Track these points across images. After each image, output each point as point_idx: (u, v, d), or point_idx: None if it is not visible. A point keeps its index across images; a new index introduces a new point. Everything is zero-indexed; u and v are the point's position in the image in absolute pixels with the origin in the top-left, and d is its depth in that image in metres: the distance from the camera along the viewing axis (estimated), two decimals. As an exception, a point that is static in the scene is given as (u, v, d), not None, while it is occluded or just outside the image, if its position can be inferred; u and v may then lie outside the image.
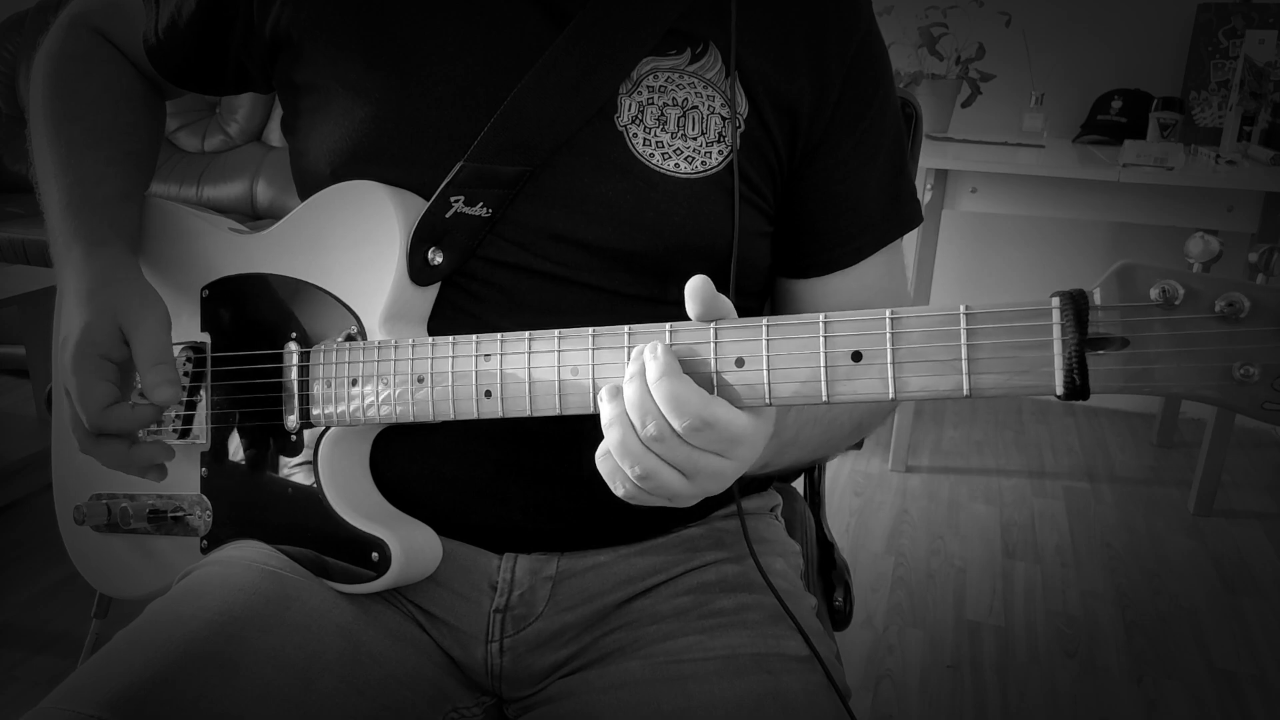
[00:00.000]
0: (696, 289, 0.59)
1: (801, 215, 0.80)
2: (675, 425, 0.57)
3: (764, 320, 0.58)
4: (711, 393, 0.59)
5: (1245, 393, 0.50)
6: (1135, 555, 2.27)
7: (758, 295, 0.85)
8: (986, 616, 2.01)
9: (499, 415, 0.66)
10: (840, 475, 2.60)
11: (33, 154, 0.86)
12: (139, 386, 0.76)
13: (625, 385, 0.59)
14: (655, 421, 0.57)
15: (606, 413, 0.60)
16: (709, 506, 0.84)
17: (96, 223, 0.80)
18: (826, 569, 1.08)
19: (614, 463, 0.60)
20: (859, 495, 2.51)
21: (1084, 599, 2.08)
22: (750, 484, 0.90)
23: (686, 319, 0.61)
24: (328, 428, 0.75)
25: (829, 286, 0.82)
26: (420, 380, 0.69)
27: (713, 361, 0.59)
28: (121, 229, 0.82)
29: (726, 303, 0.60)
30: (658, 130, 0.74)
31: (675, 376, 0.58)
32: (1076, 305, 0.51)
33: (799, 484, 1.21)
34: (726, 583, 0.80)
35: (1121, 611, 2.04)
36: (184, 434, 0.82)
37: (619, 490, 0.61)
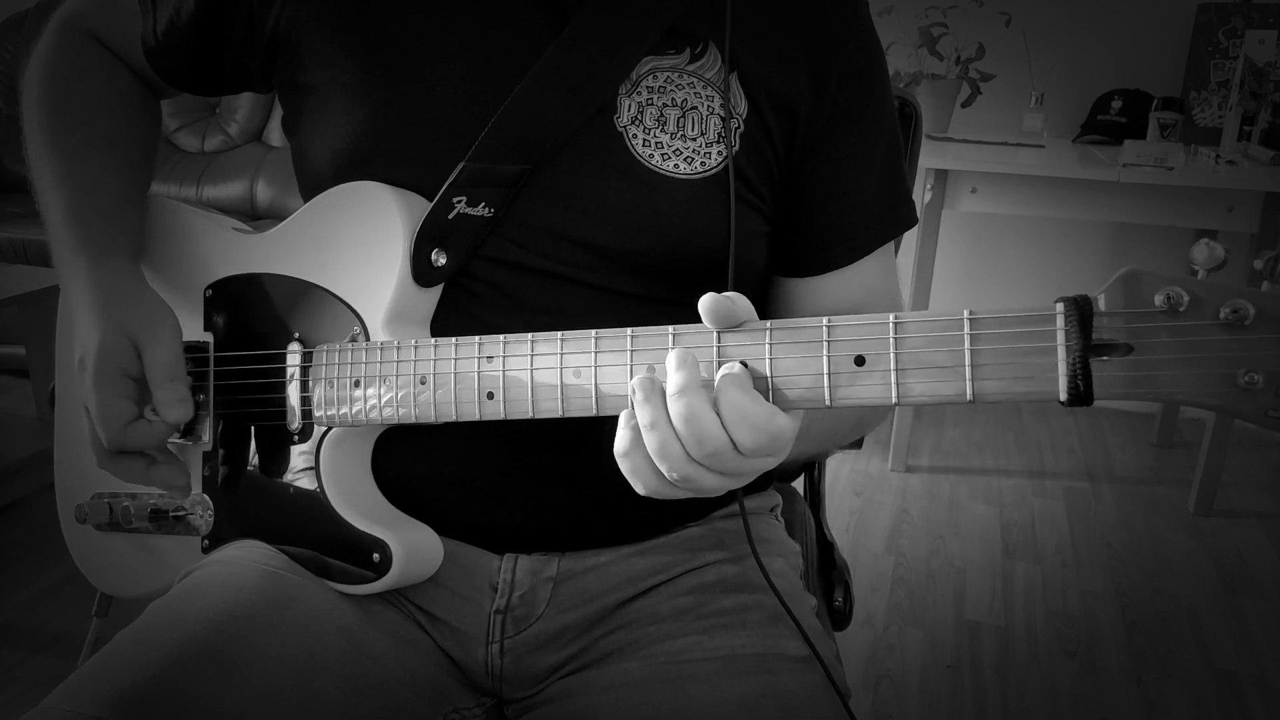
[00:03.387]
0: (709, 308, 0.58)
1: (798, 214, 0.80)
2: (742, 441, 0.56)
3: (767, 324, 0.58)
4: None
5: (1249, 400, 0.50)
6: (1135, 555, 2.27)
7: (754, 295, 0.84)
8: (986, 616, 2.01)
9: (501, 417, 0.66)
10: (840, 475, 2.60)
11: (29, 161, 0.86)
12: (152, 403, 0.76)
13: (672, 400, 0.57)
14: (714, 441, 0.56)
15: (644, 415, 0.58)
16: (709, 506, 0.84)
17: (99, 232, 0.80)
18: (826, 569, 1.08)
19: (639, 462, 0.59)
20: (859, 495, 2.51)
21: (1084, 599, 2.08)
22: (750, 483, 0.90)
23: (687, 320, 0.60)
24: (330, 428, 0.75)
25: (824, 286, 0.82)
26: (423, 382, 0.69)
27: (715, 365, 0.59)
28: (124, 236, 0.82)
29: (744, 303, 0.59)
30: (657, 131, 0.74)
31: (746, 390, 0.56)
32: (1081, 311, 0.51)
33: (799, 484, 1.21)
34: (726, 583, 0.81)
35: (1121, 611, 2.04)
36: (186, 434, 0.82)
37: (642, 488, 0.60)
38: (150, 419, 0.75)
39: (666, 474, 0.58)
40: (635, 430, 0.58)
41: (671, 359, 0.58)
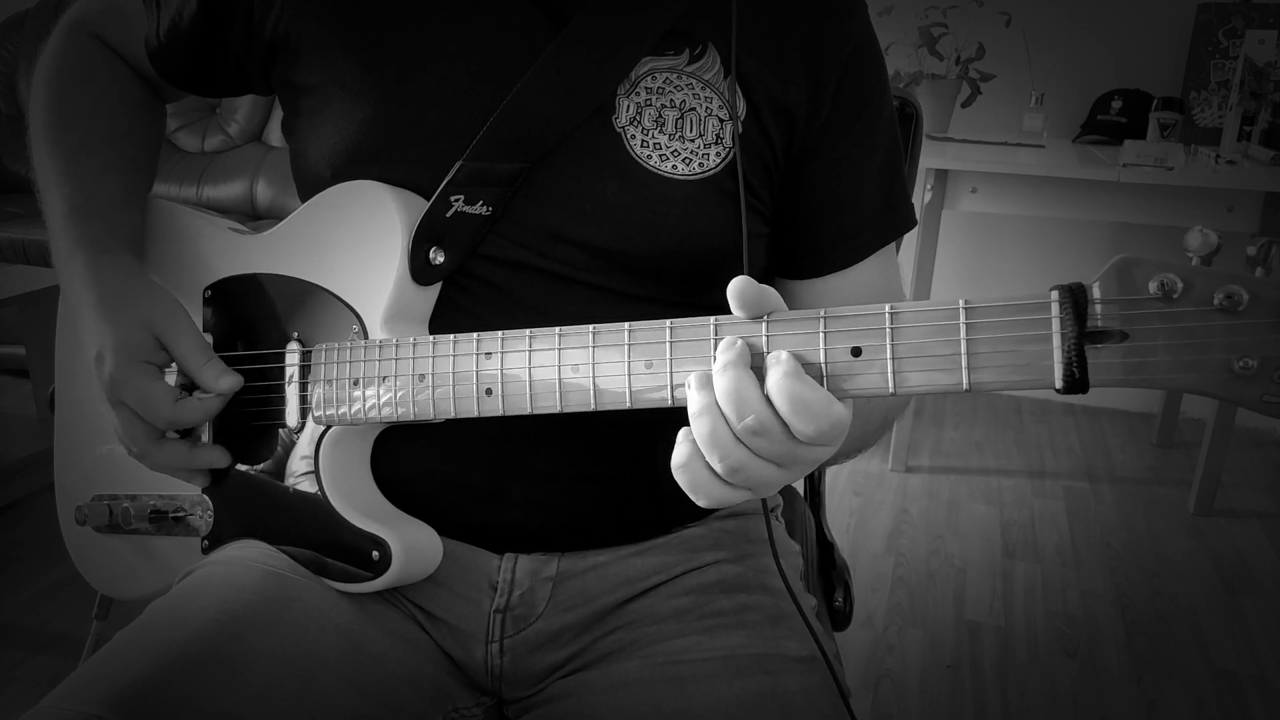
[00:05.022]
0: (740, 291, 0.57)
1: (797, 216, 0.80)
2: (802, 429, 0.54)
3: (764, 316, 0.58)
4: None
5: (1245, 385, 0.50)
6: (1135, 555, 2.27)
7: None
8: (986, 616, 2.01)
9: (500, 413, 0.66)
10: (840, 475, 2.60)
11: (33, 161, 0.86)
12: (197, 383, 0.78)
13: (717, 376, 0.56)
14: (756, 414, 0.54)
15: (695, 403, 0.57)
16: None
17: (99, 231, 0.80)
18: (826, 569, 1.08)
19: (697, 469, 0.57)
20: (859, 495, 2.51)
21: (1084, 599, 2.08)
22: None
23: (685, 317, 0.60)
24: (329, 427, 0.75)
25: (825, 287, 0.82)
26: (421, 379, 0.69)
27: (712, 358, 0.59)
28: (124, 235, 0.82)
29: (775, 296, 0.58)
30: (655, 132, 0.74)
31: (799, 378, 0.55)
32: (1075, 299, 0.51)
33: (799, 484, 1.21)
34: (726, 583, 0.80)
35: (1121, 611, 2.04)
36: (186, 434, 0.82)
37: (702, 500, 0.58)
38: (200, 397, 0.77)
39: (718, 465, 0.56)
40: (692, 444, 0.57)
41: (723, 343, 0.57)
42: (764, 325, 0.58)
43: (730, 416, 0.55)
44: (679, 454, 0.57)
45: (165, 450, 0.79)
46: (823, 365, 0.56)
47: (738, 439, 0.55)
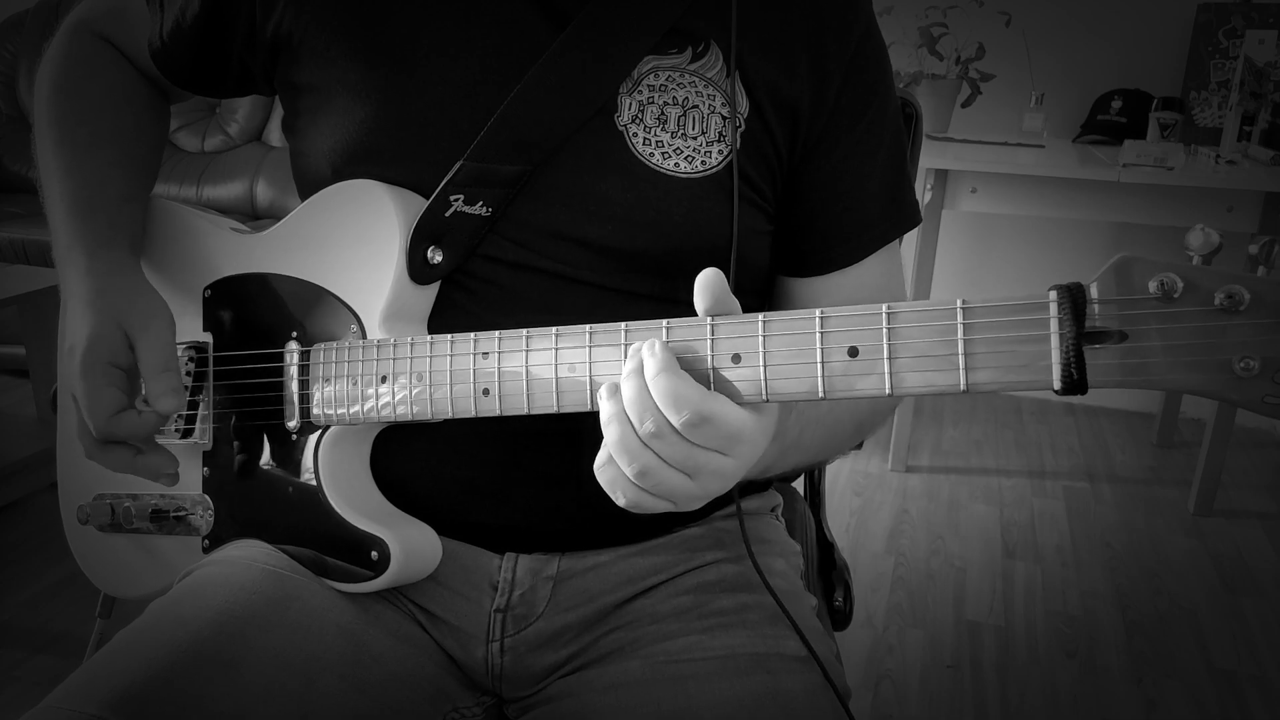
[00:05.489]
0: (708, 283, 0.59)
1: (801, 214, 0.80)
2: (674, 420, 0.57)
3: (760, 316, 0.58)
4: (709, 389, 0.58)
5: (1246, 386, 0.50)
6: (1135, 555, 2.27)
7: (758, 294, 0.85)
8: (986, 616, 2.01)
9: (497, 413, 0.66)
10: (840, 475, 2.60)
11: (37, 158, 0.87)
12: (144, 393, 0.76)
13: (623, 383, 0.58)
14: (654, 418, 0.57)
15: (605, 410, 0.59)
16: (709, 507, 0.84)
17: (99, 225, 0.80)
18: (827, 569, 1.08)
19: (614, 470, 0.60)
20: (859, 495, 2.51)
21: (1084, 599, 2.08)
22: (751, 484, 0.90)
23: (686, 316, 0.61)
24: (328, 427, 0.75)
25: (827, 285, 0.82)
26: (419, 379, 0.69)
27: (709, 358, 0.59)
28: (124, 231, 0.82)
29: (735, 302, 0.60)
30: (658, 130, 0.74)
31: (673, 372, 0.57)
32: (1074, 299, 0.51)
33: (799, 484, 1.21)
34: (726, 583, 0.80)
35: (1121, 611, 2.04)
36: (186, 434, 0.82)
37: (620, 499, 0.60)
38: (140, 409, 0.75)
39: (628, 470, 0.58)
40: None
41: (631, 349, 0.60)
42: (760, 325, 0.58)
43: (634, 422, 0.58)
44: (600, 454, 0.60)
45: (108, 454, 0.77)
46: (819, 365, 0.56)
47: (643, 443, 0.58)
